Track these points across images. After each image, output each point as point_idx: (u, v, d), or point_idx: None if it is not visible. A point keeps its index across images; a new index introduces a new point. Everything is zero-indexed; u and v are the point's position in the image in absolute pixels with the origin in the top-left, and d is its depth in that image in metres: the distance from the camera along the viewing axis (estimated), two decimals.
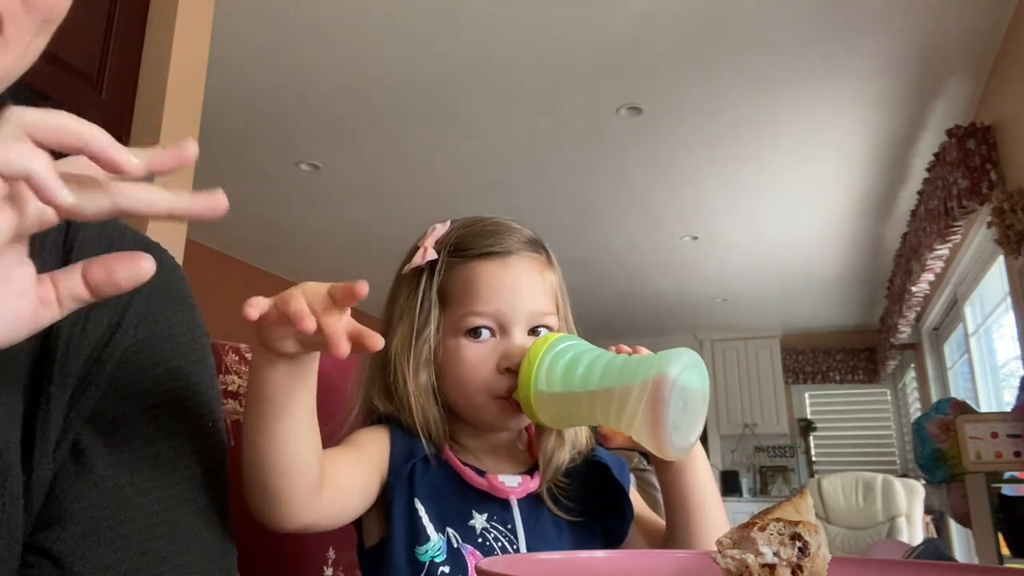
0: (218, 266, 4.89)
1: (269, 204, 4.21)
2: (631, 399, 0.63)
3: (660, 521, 0.80)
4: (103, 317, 0.53)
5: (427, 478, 0.72)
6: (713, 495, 0.75)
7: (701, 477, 0.75)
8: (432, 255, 0.76)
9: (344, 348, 0.49)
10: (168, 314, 0.57)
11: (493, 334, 0.73)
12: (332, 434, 0.75)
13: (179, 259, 1.60)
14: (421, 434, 0.72)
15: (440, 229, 0.78)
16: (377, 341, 0.50)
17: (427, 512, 0.70)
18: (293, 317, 0.49)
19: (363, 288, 0.49)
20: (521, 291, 0.74)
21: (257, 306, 0.50)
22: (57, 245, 0.54)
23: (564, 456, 0.77)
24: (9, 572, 0.47)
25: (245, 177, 3.84)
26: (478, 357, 0.73)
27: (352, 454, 0.69)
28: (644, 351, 0.71)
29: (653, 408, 0.62)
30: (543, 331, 0.75)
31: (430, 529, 0.69)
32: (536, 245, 0.78)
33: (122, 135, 1.72)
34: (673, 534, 0.76)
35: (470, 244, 0.76)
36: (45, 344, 0.50)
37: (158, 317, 0.56)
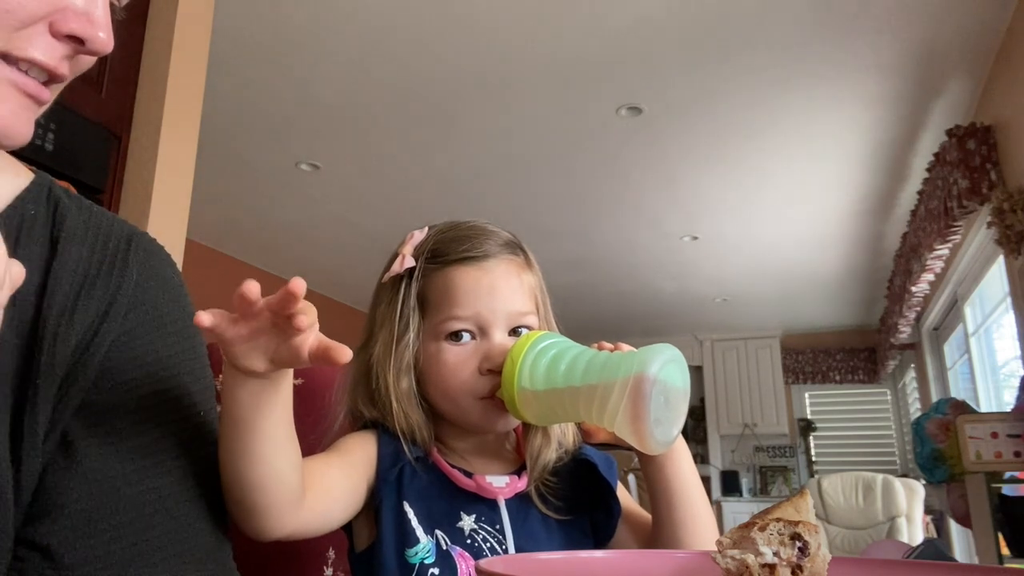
0: (218, 266, 4.89)
1: (269, 204, 4.20)
2: (613, 395, 0.64)
3: (647, 516, 0.81)
4: (90, 306, 0.52)
5: (415, 481, 0.72)
6: (696, 487, 0.76)
7: (684, 469, 0.75)
8: (410, 262, 0.77)
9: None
10: (158, 303, 0.57)
11: (473, 336, 0.74)
12: (319, 440, 0.76)
13: (179, 259, 1.60)
14: (404, 439, 0.73)
15: (418, 236, 0.79)
16: (344, 354, 0.50)
17: (416, 514, 0.70)
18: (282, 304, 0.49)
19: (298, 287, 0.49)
20: (499, 293, 0.75)
21: (211, 311, 0.50)
22: (44, 237, 0.54)
23: (551, 455, 0.77)
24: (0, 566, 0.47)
25: (245, 177, 3.84)
26: (459, 360, 0.73)
27: (337, 461, 0.70)
28: (626, 347, 0.72)
29: (634, 404, 0.63)
30: (524, 331, 0.75)
31: (419, 531, 0.70)
32: (513, 247, 0.79)
33: (122, 135, 1.72)
34: (659, 526, 0.76)
35: (447, 250, 0.77)
36: (32, 335, 0.50)
37: (147, 306, 0.56)
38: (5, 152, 0.57)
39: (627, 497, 0.82)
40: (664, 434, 0.66)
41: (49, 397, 0.49)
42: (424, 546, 0.69)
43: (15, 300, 0.50)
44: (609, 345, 0.73)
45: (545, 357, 0.69)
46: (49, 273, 0.52)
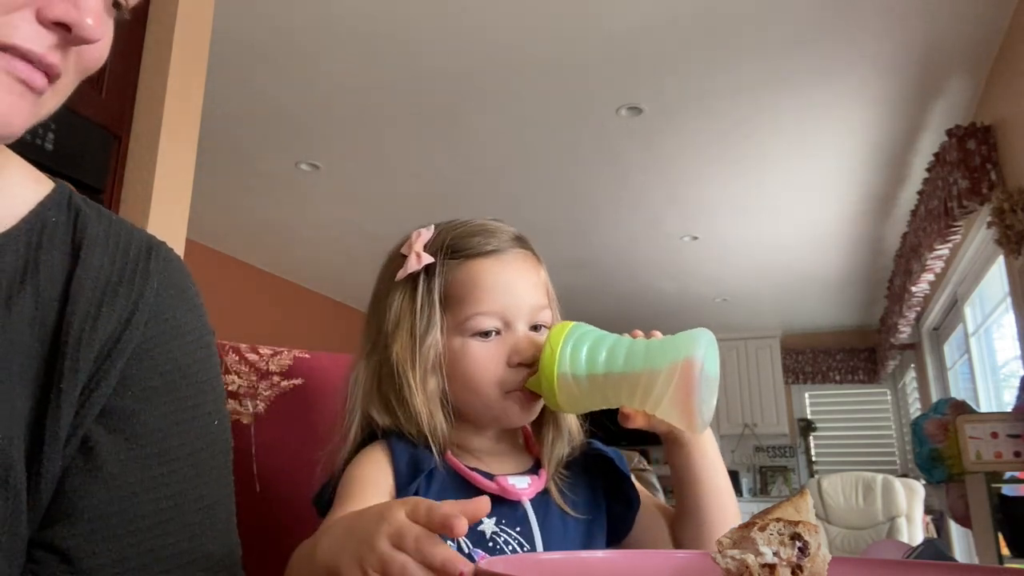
0: (218, 266, 4.89)
1: (269, 204, 4.20)
2: (659, 382, 0.67)
3: (666, 506, 0.82)
4: (112, 314, 0.53)
5: (433, 489, 0.71)
6: (721, 471, 0.78)
7: (710, 454, 0.77)
8: (427, 259, 0.75)
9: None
10: (177, 312, 0.58)
11: (499, 331, 0.74)
12: (332, 454, 0.75)
13: None
14: (431, 439, 0.72)
15: (426, 234, 0.78)
16: (485, 505, 0.46)
17: None
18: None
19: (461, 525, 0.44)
20: (520, 287, 0.75)
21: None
22: (65, 244, 0.54)
23: (564, 448, 0.78)
24: (14, 567, 0.47)
25: (245, 177, 3.84)
26: (488, 354, 0.73)
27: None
28: (659, 335, 0.73)
29: (684, 388, 0.66)
30: (542, 328, 0.76)
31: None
32: (524, 242, 0.80)
33: (122, 135, 1.72)
34: (685, 514, 0.77)
35: (465, 245, 0.76)
36: (56, 341, 0.50)
37: (167, 315, 0.57)
38: (26, 161, 0.57)
39: (642, 488, 0.82)
40: (707, 415, 0.69)
41: (72, 402, 0.50)
42: None
43: (37, 304, 0.50)
44: (642, 333, 0.74)
45: (584, 344, 0.70)
46: (72, 280, 0.53)
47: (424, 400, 0.72)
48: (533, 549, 0.70)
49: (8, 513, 0.47)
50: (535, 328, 0.76)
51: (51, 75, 0.49)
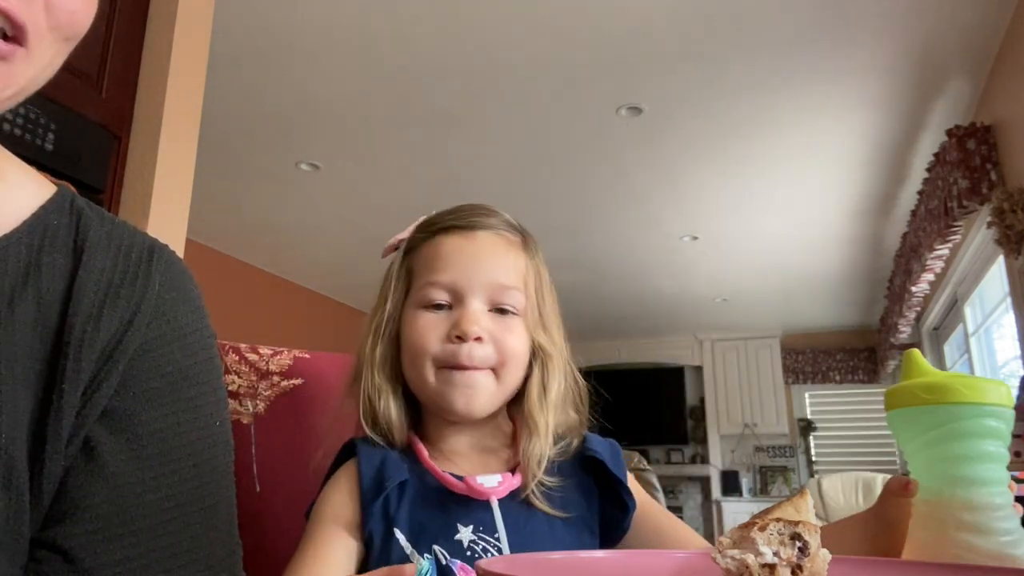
0: (218, 266, 4.89)
1: (269, 204, 4.21)
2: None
3: (674, 526, 0.76)
4: (115, 315, 0.53)
5: (404, 502, 0.69)
6: None
7: None
8: (403, 235, 0.79)
9: None
10: (178, 314, 0.58)
11: (450, 305, 0.73)
12: (328, 454, 0.75)
13: None
14: (381, 415, 0.72)
15: (422, 220, 0.81)
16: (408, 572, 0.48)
17: (409, 539, 0.67)
18: None
19: None
20: (481, 262, 0.73)
21: None
22: (67, 246, 0.54)
23: (543, 448, 0.73)
24: (16, 566, 0.47)
25: (245, 177, 3.84)
26: (429, 324, 0.72)
27: (327, 554, 0.66)
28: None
29: None
30: (508, 308, 0.73)
31: (414, 556, 0.67)
32: (511, 227, 0.78)
33: (122, 135, 1.72)
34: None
35: (437, 220, 0.78)
36: (58, 342, 0.51)
37: (169, 316, 0.57)
38: (27, 164, 0.57)
39: (644, 495, 0.78)
40: None
41: (73, 402, 0.50)
42: (423, 569, 0.66)
43: (39, 306, 0.51)
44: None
45: (977, 452, 0.57)
46: (74, 281, 0.53)
47: (371, 366, 0.73)
48: (502, 551, 0.68)
49: (11, 513, 0.47)
50: (500, 311, 0.73)
51: (17, 30, 0.46)
